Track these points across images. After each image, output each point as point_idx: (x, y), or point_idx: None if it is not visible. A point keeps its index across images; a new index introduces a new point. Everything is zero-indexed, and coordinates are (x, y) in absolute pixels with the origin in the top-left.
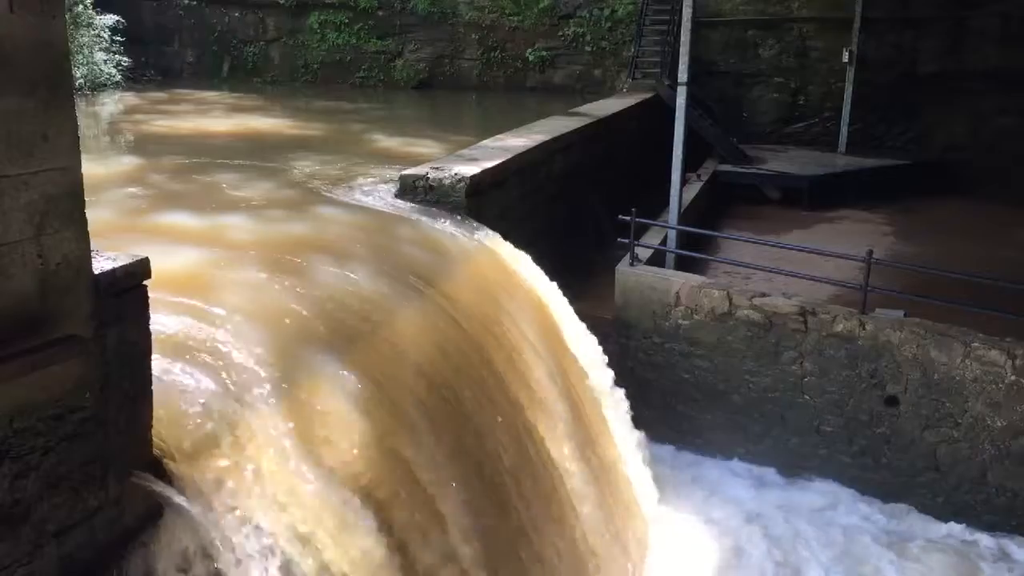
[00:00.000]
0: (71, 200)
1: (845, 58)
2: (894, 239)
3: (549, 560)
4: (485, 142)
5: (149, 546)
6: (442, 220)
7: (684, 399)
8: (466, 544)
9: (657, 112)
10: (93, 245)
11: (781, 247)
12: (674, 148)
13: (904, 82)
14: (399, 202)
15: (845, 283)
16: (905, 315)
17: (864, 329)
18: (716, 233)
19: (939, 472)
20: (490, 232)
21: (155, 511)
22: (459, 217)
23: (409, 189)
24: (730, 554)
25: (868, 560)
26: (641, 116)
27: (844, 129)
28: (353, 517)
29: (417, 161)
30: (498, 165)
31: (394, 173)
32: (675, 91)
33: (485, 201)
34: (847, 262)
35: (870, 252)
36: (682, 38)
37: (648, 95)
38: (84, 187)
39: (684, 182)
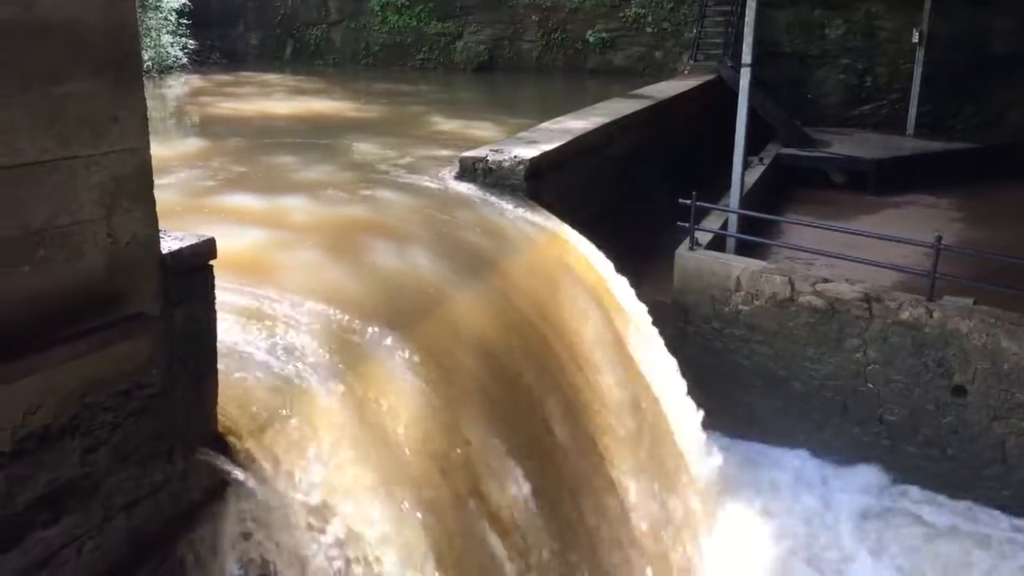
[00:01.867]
0: (140, 180)
1: (915, 38)
2: (963, 225)
3: (603, 540)
4: (544, 124)
5: (213, 520)
6: (501, 202)
7: (743, 385)
8: (525, 517)
9: (719, 94)
10: (160, 225)
11: (845, 232)
12: (736, 131)
13: (976, 63)
14: (458, 184)
15: (912, 269)
16: (974, 303)
17: (931, 317)
18: (778, 217)
19: (1006, 465)
20: (549, 215)
21: (219, 486)
22: (518, 199)
23: (468, 171)
24: (789, 542)
25: (936, 551)
26: (702, 98)
27: (912, 111)
28: (413, 490)
29: (476, 143)
30: (557, 148)
31: (453, 155)
32: (738, 73)
33: (544, 183)
34: (914, 248)
35: (938, 238)
36: (747, 18)
37: (710, 77)
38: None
39: (746, 165)
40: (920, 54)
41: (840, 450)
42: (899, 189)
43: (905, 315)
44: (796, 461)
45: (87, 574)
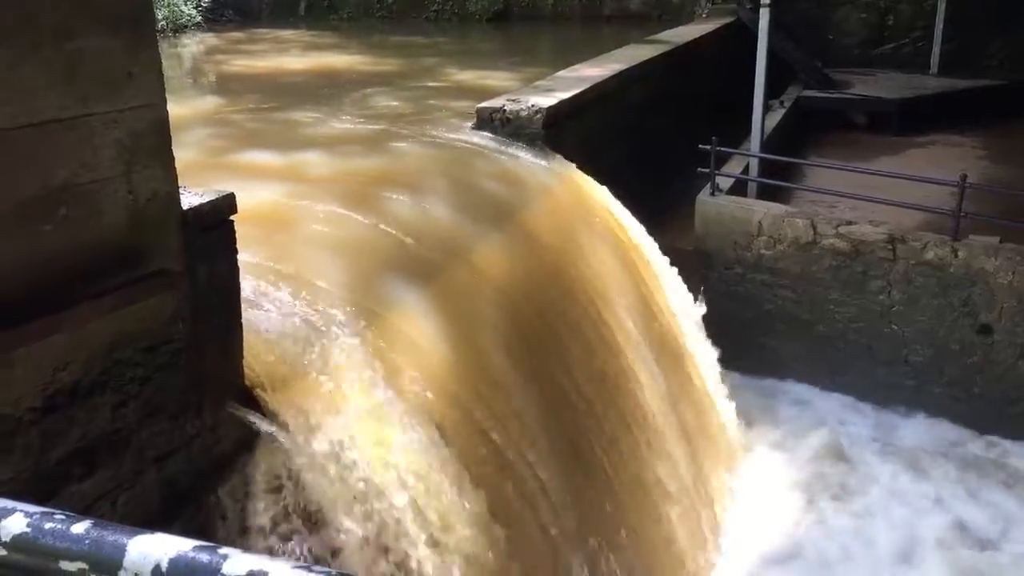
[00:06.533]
0: (158, 137)
1: None
2: (989, 163)
3: (629, 486)
4: (561, 73)
5: (244, 471)
6: (519, 152)
7: (766, 330)
8: (543, 465)
9: (738, 37)
10: (180, 182)
11: (868, 173)
12: (756, 74)
13: None
14: (475, 135)
15: (936, 209)
16: (1000, 241)
17: (956, 256)
18: (800, 160)
19: None
20: (568, 163)
21: (248, 438)
22: (536, 149)
23: (485, 121)
24: (818, 484)
25: (968, 487)
26: (721, 42)
27: (936, 49)
28: (435, 440)
29: (493, 94)
30: (575, 95)
31: (470, 106)
32: (757, 14)
33: (562, 132)
34: (938, 188)
35: (963, 176)
36: None
37: (729, 20)
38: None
39: (766, 109)
40: None
41: (865, 392)
42: (923, 129)
43: (930, 255)
44: (821, 404)
45: None
